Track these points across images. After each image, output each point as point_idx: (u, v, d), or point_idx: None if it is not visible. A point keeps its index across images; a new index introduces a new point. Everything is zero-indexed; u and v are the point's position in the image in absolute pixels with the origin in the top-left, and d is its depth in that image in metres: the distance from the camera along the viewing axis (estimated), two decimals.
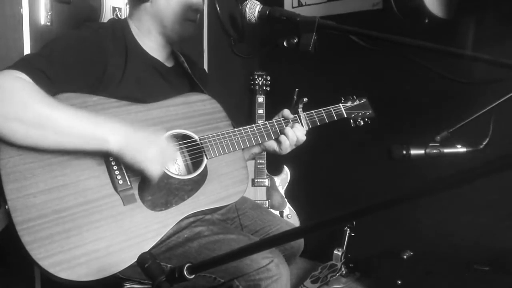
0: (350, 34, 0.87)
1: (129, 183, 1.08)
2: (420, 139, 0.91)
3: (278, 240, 0.86)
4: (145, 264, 0.72)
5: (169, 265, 1.15)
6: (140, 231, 1.07)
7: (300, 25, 0.92)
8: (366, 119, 1.51)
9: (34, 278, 1.60)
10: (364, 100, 1.53)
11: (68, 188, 1.01)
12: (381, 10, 2.20)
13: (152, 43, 1.31)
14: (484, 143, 0.89)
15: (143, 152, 1.03)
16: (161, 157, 1.06)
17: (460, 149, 0.90)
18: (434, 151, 0.89)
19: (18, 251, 0.94)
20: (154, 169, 1.04)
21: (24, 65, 1.00)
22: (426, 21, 1.78)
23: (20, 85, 0.95)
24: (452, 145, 0.90)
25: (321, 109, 1.44)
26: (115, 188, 1.06)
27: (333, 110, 1.46)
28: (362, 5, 2.28)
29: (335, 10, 2.39)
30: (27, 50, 1.53)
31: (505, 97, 0.89)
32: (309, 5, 2.51)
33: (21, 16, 1.51)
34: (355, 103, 1.50)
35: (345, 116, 1.48)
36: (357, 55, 1.82)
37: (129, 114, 1.14)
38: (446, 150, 0.89)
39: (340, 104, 1.48)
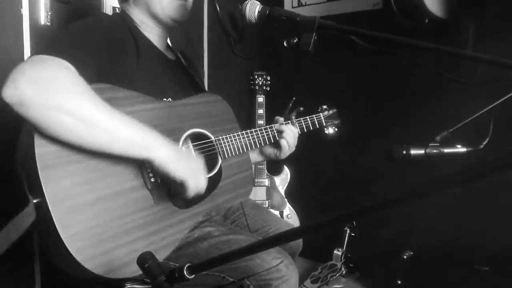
0: (350, 34, 0.87)
1: (159, 181, 1.09)
2: (420, 139, 0.91)
3: (278, 240, 0.86)
4: (145, 264, 0.71)
5: (177, 265, 1.15)
6: (170, 230, 1.10)
7: (300, 25, 0.92)
8: (335, 128, 1.63)
9: (34, 275, 1.61)
10: (335, 110, 1.63)
11: (103, 180, 0.99)
12: (381, 10, 2.20)
13: (152, 35, 1.29)
14: (484, 143, 0.89)
15: (187, 166, 1.02)
16: (199, 174, 1.07)
17: (460, 149, 0.90)
18: (434, 151, 0.89)
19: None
20: (198, 180, 1.05)
21: (63, 51, 0.95)
22: (426, 21, 1.78)
23: (71, 78, 0.92)
24: (452, 145, 0.90)
25: (307, 116, 1.54)
26: (146, 185, 1.06)
27: (316, 118, 1.55)
28: (362, 5, 2.28)
29: (335, 10, 2.39)
30: (27, 50, 1.53)
31: (505, 97, 0.89)
32: (309, 5, 2.51)
33: (21, 16, 1.51)
34: (330, 112, 1.60)
35: (324, 124, 1.57)
36: (357, 55, 1.81)
37: (155, 110, 1.14)
38: (446, 150, 0.89)
39: (321, 114, 1.58)
